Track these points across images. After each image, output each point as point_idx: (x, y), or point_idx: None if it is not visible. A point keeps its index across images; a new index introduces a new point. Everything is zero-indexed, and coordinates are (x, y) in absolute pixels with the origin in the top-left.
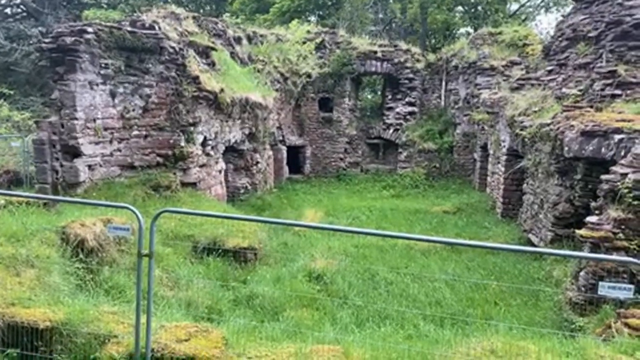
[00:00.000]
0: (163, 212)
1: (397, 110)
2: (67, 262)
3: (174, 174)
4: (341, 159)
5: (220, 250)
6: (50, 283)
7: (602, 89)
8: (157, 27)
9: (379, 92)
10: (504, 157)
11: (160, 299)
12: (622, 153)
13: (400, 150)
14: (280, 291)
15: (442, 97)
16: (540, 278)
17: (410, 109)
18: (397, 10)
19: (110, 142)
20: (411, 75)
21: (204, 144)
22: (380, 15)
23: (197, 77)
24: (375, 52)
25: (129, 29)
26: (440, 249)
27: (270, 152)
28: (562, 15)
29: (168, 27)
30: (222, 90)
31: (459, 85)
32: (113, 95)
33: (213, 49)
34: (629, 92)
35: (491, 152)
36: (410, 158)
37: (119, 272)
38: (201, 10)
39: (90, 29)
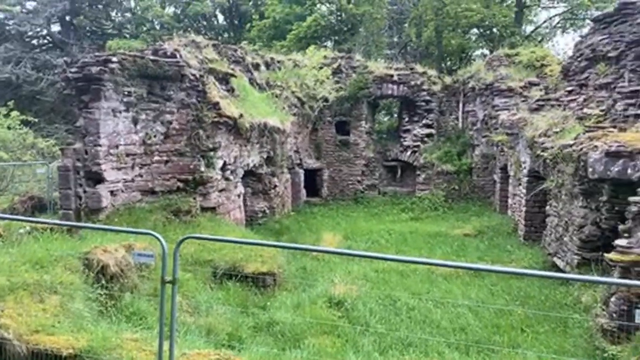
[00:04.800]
0: (186, 239)
1: (414, 132)
2: (90, 289)
3: (194, 198)
4: (359, 181)
5: (239, 275)
6: (73, 310)
7: (625, 109)
8: (178, 55)
9: (395, 115)
10: (525, 179)
11: (180, 325)
12: None
13: (418, 172)
14: (300, 318)
15: (460, 119)
16: (568, 304)
17: (427, 130)
18: (412, 34)
19: (132, 167)
20: (428, 98)
21: (223, 168)
22: (396, 39)
23: (217, 103)
24: (392, 76)
25: (152, 57)
26: (462, 273)
27: (288, 176)
28: (580, 36)
29: (189, 55)
30: (241, 115)
31: (477, 106)
32: (135, 122)
33: (232, 75)
34: None
35: (511, 173)
36: (428, 180)
37: (140, 298)
38: (220, 38)
39: (114, 59)
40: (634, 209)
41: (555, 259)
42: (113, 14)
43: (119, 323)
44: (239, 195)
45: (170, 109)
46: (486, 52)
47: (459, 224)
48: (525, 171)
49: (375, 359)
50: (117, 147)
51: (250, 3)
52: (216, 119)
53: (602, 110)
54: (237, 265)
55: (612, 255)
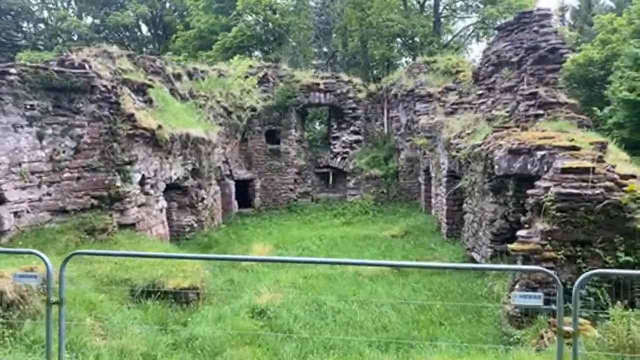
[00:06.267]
0: (74, 255)
1: (343, 139)
2: None
3: (111, 216)
4: (291, 190)
5: (159, 293)
6: None
7: (527, 110)
8: (87, 66)
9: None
10: (445, 179)
11: (90, 350)
12: (546, 168)
13: (348, 178)
14: (221, 331)
15: (385, 125)
16: (484, 295)
17: (355, 137)
18: (339, 44)
19: (39, 186)
20: (354, 105)
21: (142, 183)
22: (325, 50)
23: (132, 115)
24: (319, 85)
25: (57, 69)
26: (387, 273)
27: (217, 188)
28: (488, 44)
29: (100, 66)
30: (160, 127)
31: (400, 112)
32: (41, 137)
33: (150, 86)
34: (550, 111)
35: (433, 175)
36: (358, 185)
37: (43, 325)
38: (145, 49)
39: (13, 70)
40: (531, 201)
41: (473, 253)
42: (24, 25)
43: (15, 353)
44: (161, 210)
45: (80, 122)
46: (410, 60)
47: (387, 226)
48: (444, 172)
49: None
50: (20, 165)
51: (176, 14)
52: (132, 132)
53: (507, 112)
54: (157, 282)
55: (514, 246)
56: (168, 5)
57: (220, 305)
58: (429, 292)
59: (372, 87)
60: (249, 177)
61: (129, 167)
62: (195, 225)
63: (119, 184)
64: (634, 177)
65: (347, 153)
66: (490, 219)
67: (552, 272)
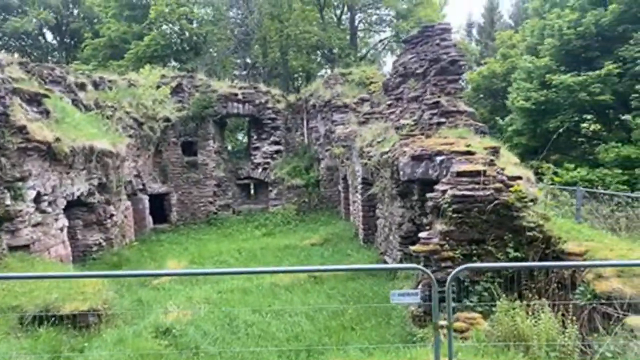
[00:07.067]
0: None
1: (264, 149)
2: None
3: None
4: (211, 202)
5: (54, 319)
6: None
7: (430, 118)
8: None
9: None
10: (360, 186)
11: None
12: (444, 172)
13: (270, 188)
14: (120, 353)
15: (305, 135)
16: None
17: (275, 147)
18: (259, 55)
19: None
20: (273, 116)
21: (37, 200)
22: (248, 60)
23: (23, 127)
24: (236, 95)
25: None
26: (304, 281)
27: (128, 203)
28: (396, 55)
29: None
30: (57, 139)
31: (318, 122)
32: None
33: (45, 95)
34: (451, 119)
35: (350, 182)
36: (280, 195)
37: None
38: (50, 58)
39: None
40: (430, 203)
41: (385, 257)
42: None
43: None
44: (61, 229)
45: None
46: (329, 71)
47: (308, 234)
48: (359, 179)
49: None
50: None
51: (85, 20)
52: (23, 145)
53: (414, 120)
54: (52, 306)
55: (416, 247)
56: (75, 11)
57: (125, 327)
58: (342, 298)
59: (292, 98)
60: (164, 190)
61: (20, 184)
62: (104, 243)
63: (8, 202)
64: (519, 178)
65: (268, 163)
66: (398, 222)
67: (427, 270)
